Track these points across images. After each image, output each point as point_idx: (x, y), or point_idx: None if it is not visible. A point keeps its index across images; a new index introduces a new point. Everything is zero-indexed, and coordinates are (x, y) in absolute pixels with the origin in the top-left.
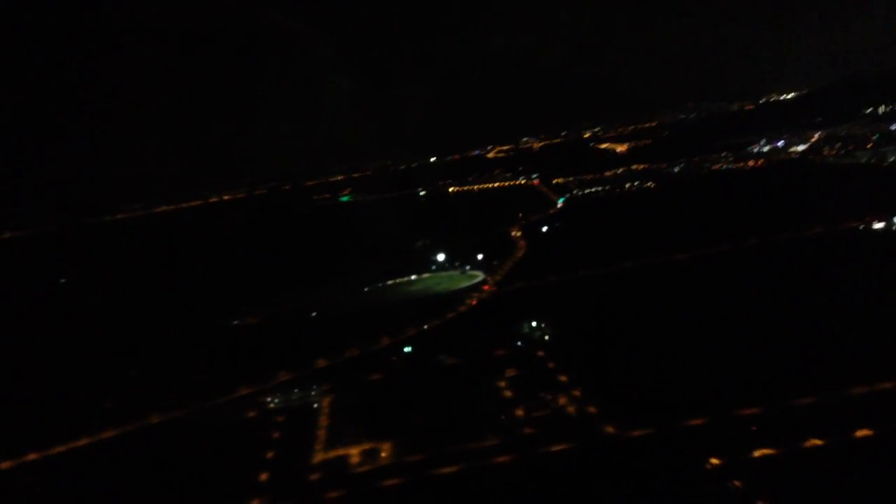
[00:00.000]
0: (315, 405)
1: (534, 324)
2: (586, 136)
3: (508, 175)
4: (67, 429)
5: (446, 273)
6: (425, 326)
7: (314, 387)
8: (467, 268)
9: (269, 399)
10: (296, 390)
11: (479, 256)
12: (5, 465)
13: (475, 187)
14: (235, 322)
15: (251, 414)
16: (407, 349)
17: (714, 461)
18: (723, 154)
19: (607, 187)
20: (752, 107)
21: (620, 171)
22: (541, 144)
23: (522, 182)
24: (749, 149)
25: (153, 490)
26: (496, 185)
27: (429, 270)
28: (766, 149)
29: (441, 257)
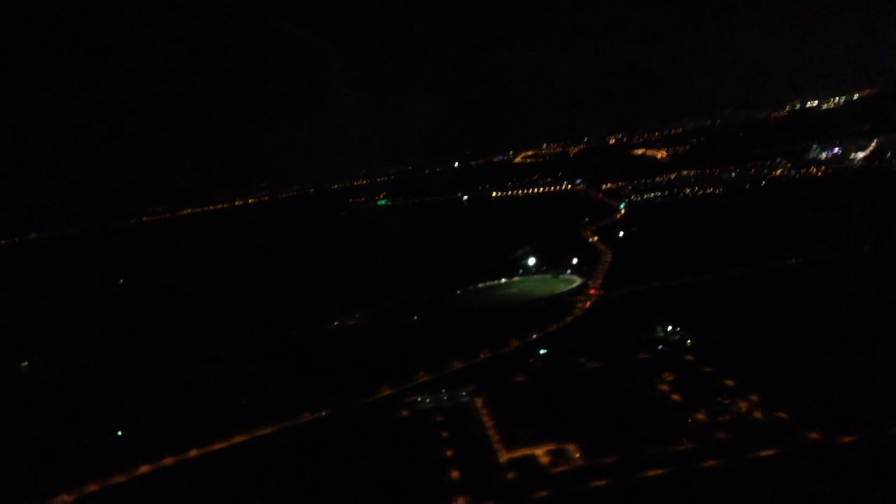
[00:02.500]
0: (468, 405)
1: (668, 328)
2: (612, 142)
3: (549, 180)
4: (217, 427)
5: (539, 277)
6: (550, 329)
7: (462, 387)
8: (567, 272)
9: (419, 399)
10: (443, 390)
11: (574, 261)
12: (168, 460)
13: (519, 192)
14: (336, 323)
15: (405, 413)
16: (542, 351)
17: None
18: (778, 161)
19: (666, 193)
20: (782, 114)
21: (673, 176)
22: (576, 150)
23: (568, 187)
24: (806, 156)
25: (351, 485)
26: (540, 190)
27: (516, 274)
28: (822, 156)
29: (531, 261)
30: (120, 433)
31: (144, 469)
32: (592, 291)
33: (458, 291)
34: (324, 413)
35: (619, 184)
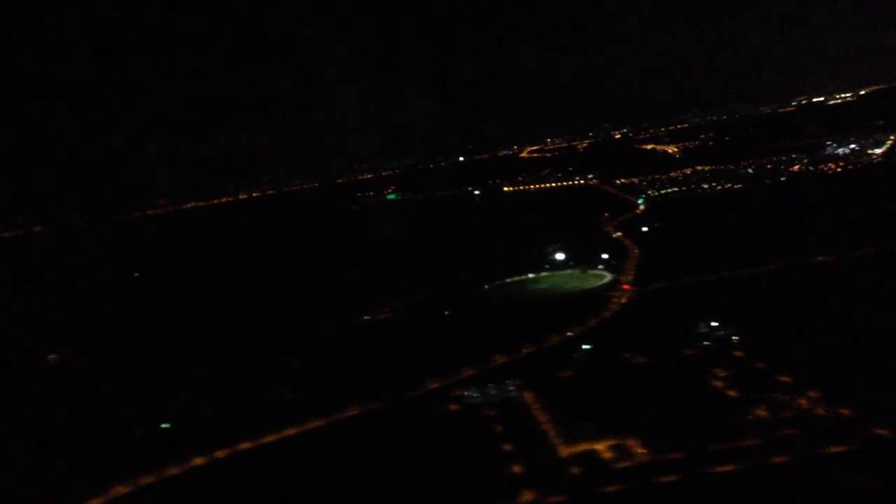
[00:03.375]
0: (517, 399)
1: (712, 323)
2: (617, 136)
3: (559, 175)
4: (267, 420)
5: (567, 272)
6: (589, 324)
7: (508, 382)
8: (599, 266)
9: (466, 393)
10: (490, 385)
11: (604, 255)
12: (220, 453)
13: (530, 187)
14: (367, 318)
15: (453, 407)
16: (585, 346)
17: None
18: (794, 156)
19: (683, 188)
20: (789, 110)
21: (688, 171)
22: (584, 145)
23: (581, 182)
24: (822, 152)
25: (411, 478)
26: (552, 185)
27: (542, 269)
28: (839, 151)
29: (559, 256)
30: (166, 426)
31: (198, 461)
32: (626, 287)
33: (486, 286)
34: (373, 406)
35: (634, 179)
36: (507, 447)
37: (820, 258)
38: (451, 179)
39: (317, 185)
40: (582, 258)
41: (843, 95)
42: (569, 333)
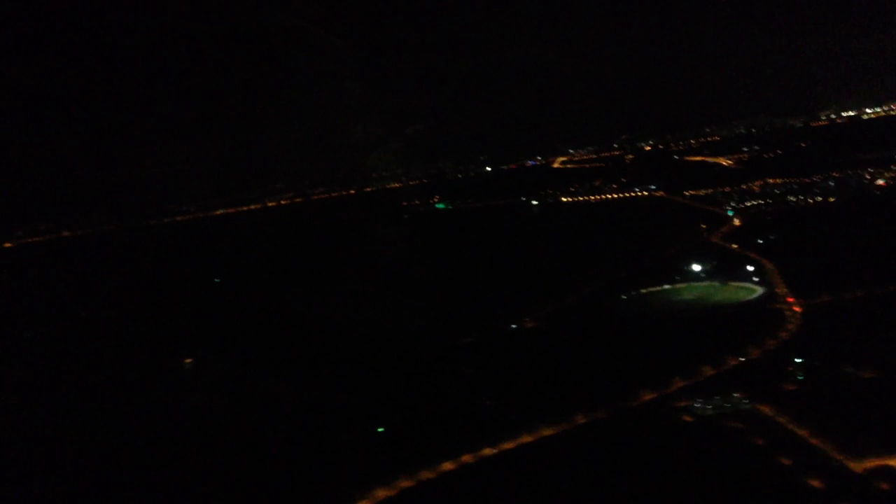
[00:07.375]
0: (753, 413)
1: None
2: (647, 148)
3: (615, 186)
4: (486, 427)
5: (705, 283)
6: (782, 337)
7: (736, 394)
8: (755, 279)
9: (696, 405)
10: (717, 397)
11: (750, 268)
12: (467, 458)
13: (590, 198)
14: (514, 326)
15: (687, 418)
16: (798, 360)
17: None
18: (870, 170)
19: (769, 201)
20: (821, 123)
21: (759, 184)
22: (631, 157)
23: (645, 194)
24: None
25: (687, 490)
26: (613, 196)
27: (673, 280)
28: None
29: (696, 267)
30: (381, 429)
31: (448, 466)
32: (791, 300)
33: (624, 296)
34: (600, 415)
35: (709, 191)
36: (784, 461)
37: None
38: (495, 189)
39: (345, 193)
40: (712, 270)
41: (875, 110)
42: (769, 346)
